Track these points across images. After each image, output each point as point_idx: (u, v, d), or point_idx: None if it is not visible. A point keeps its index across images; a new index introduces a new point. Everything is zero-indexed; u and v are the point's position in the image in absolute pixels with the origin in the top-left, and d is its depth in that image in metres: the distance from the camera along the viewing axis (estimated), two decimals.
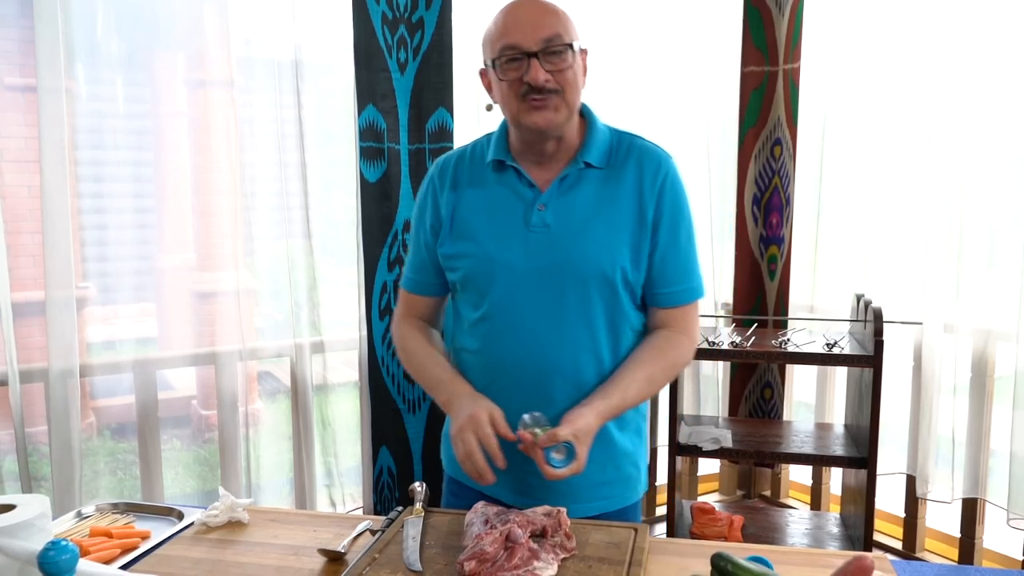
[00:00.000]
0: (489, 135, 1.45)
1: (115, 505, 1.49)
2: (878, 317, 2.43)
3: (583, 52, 1.34)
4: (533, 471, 1.26)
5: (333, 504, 2.60)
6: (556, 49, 1.28)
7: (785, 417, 3.29)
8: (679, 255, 1.37)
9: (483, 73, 1.38)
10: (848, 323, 2.85)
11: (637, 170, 1.36)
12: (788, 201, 3.20)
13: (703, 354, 2.65)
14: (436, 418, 2.63)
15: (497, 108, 1.38)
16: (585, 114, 1.40)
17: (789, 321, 3.15)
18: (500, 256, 1.34)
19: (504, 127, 1.41)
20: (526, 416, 1.25)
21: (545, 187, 1.36)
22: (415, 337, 1.47)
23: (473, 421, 1.25)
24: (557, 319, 1.33)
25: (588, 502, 1.41)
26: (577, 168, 1.35)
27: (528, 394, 1.34)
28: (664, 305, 1.38)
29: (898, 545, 2.97)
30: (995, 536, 2.75)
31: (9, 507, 1.13)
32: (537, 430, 1.23)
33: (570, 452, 1.21)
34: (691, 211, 1.40)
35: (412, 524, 1.28)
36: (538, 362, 1.34)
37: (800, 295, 3.27)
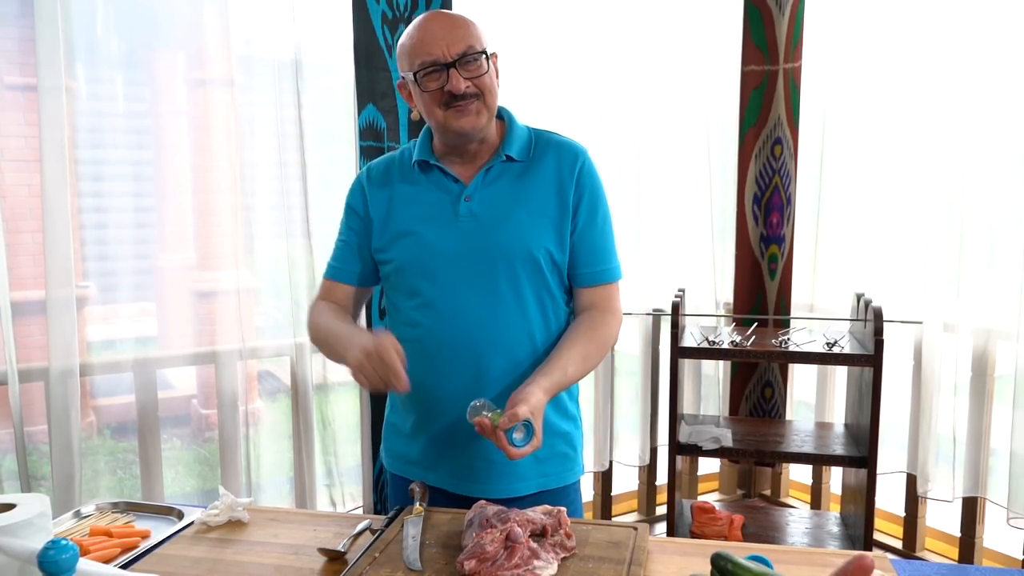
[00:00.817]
0: (413, 143, 1.54)
1: (115, 504, 1.49)
2: (878, 316, 2.43)
3: (494, 56, 1.44)
4: (473, 455, 1.42)
5: (333, 503, 2.60)
6: (471, 59, 1.36)
7: (785, 416, 3.30)
8: (597, 237, 1.47)
9: (401, 85, 1.46)
10: (848, 322, 2.85)
11: (556, 160, 1.46)
12: (788, 200, 3.20)
13: (704, 353, 2.65)
14: None
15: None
16: (504, 115, 1.50)
17: (790, 320, 3.15)
18: (434, 244, 1.42)
19: (427, 132, 1.50)
20: (475, 402, 1.29)
21: (469, 181, 1.45)
22: (323, 312, 1.50)
23: (371, 352, 1.26)
24: (490, 301, 1.41)
25: (526, 480, 1.47)
26: (499, 161, 1.44)
27: (466, 374, 1.41)
28: (588, 284, 1.48)
29: (898, 544, 2.97)
30: (995, 535, 2.75)
31: (9, 506, 1.13)
32: (489, 414, 1.25)
33: (528, 430, 1.25)
34: (607, 200, 1.50)
35: (412, 523, 1.28)
36: (474, 342, 1.41)
37: (800, 294, 3.27)
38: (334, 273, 1.57)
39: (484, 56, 1.38)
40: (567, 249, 1.45)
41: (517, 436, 1.25)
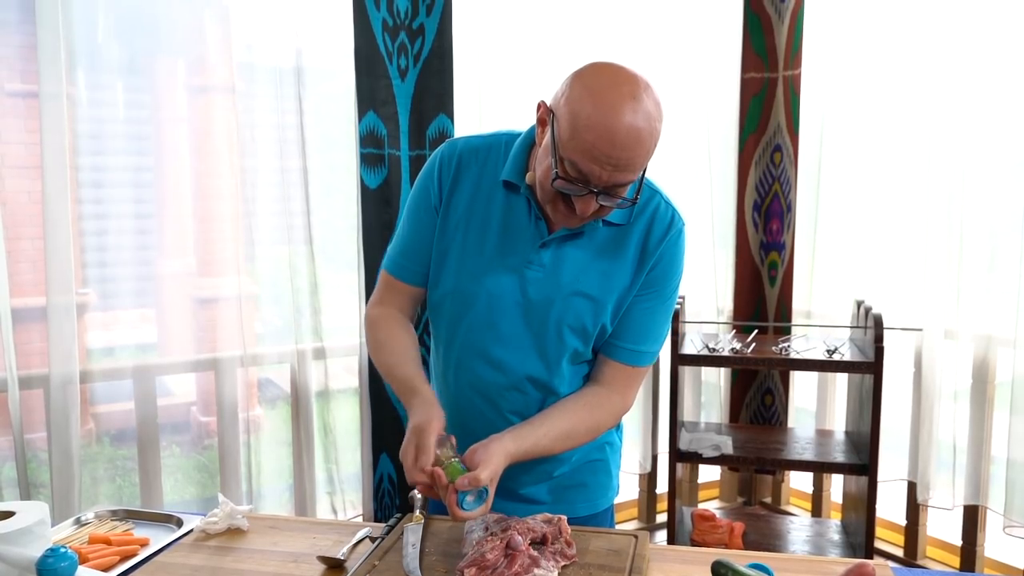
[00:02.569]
0: (509, 139, 1.34)
1: (114, 512, 1.48)
2: (878, 323, 2.43)
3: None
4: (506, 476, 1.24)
5: (335, 511, 2.59)
6: (621, 192, 1.18)
7: (786, 424, 3.29)
8: (653, 317, 1.34)
9: (543, 108, 1.21)
10: (849, 329, 2.85)
11: (646, 227, 1.31)
12: (788, 207, 3.20)
13: (705, 361, 2.65)
14: None
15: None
16: None
17: (790, 327, 3.14)
18: (491, 284, 1.30)
19: (527, 151, 1.31)
20: (440, 435, 1.19)
21: (556, 225, 1.28)
22: (389, 327, 1.38)
23: (416, 432, 1.20)
24: (528, 351, 1.31)
25: (546, 507, 1.39)
26: (594, 227, 1.29)
27: (483, 410, 1.34)
28: (616, 358, 1.35)
29: (899, 552, 2.97)
30: (996, 544, 2.74)
31: (8, 514, 1.13)
32: (449, 460, 1.16)
33: (482, 494, 1.16)
34: (680, 282, 1.37)
35: (412, 531, 1.28)
36: (500, 390, 1.33)
37: (800, 301, 3.27)
38: (399, 270, 1.39)
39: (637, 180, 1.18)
40: (619, 321, 1.33)
41: (469, 499, 1.15)
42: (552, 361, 1.32)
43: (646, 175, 1.25)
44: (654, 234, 1.30)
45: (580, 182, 1.15)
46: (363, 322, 1.46)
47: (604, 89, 1.12)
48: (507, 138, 1.34)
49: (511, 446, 1.21)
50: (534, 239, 1.29)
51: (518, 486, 1.39)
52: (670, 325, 1.40)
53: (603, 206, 1.18)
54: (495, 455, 1.18)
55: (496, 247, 1.30)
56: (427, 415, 1.21)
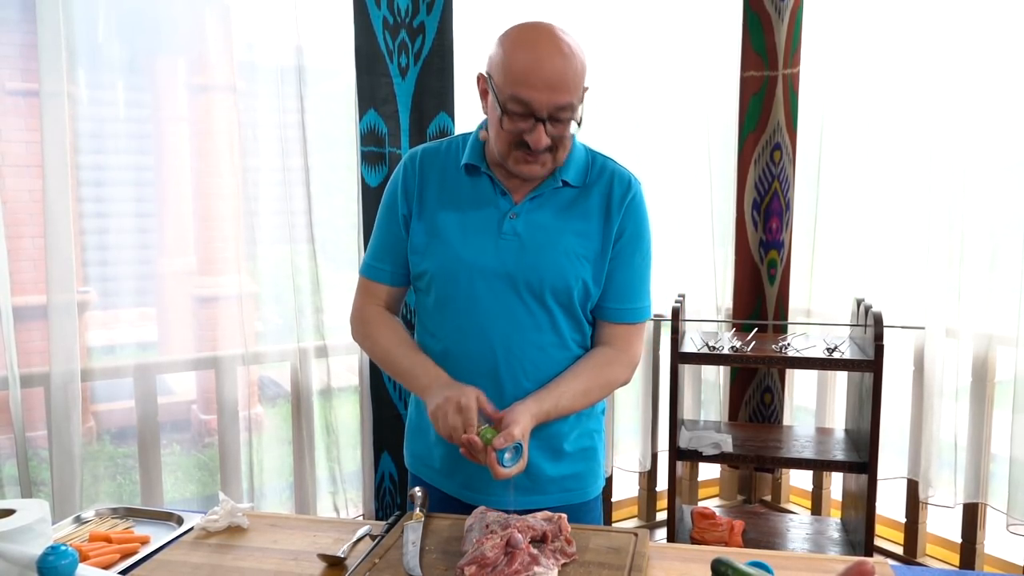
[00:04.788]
0: (465, 136, 1.46)
1: (114, 510, 1.49)
2: (878, 322, 2.43)
3: (585, 90, 1.34)
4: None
5: (337, 510, 2.59)
6: (564, 113, 1.28)
7: (785, 422, 3.29)
8: (633, 274, 1.43)
9: (481, 79, 1.35)
10: (848, 328, 2.85)
11: (607, 189, 1.41)
12: (788, 206, 3.20)
13: (704, 359, 2.65)
14: None
15: None
16: None
17: (789, 326, 3.15)
18: (470, 258, 1.38)
19: (481, 133, 1.42)
20: (476, 406, 1.27)
21: (519, 197, 1.39)
22: (379, 323, 1.47)
23: (454, 400, 1.26)
24: (518, 322, 1.38)
25: (546, 494, 1.45)
26: (553, 186, 1.39)
27: (485, 391, 1.36)
28: (611, 320, 1.44)
29: (899, 550, 2.97)
30: (996, 541, 2.75)
31: (8, 512, 1.13)
32: (480, 428, 1.24)
33: (518, 451, 1.24)
34: (651, 237, 1.45)
35: (412, 529, 1.28)
36: (497, 362, 1.39)
37: (800, 299, 3.27)
38: (375, 273, 1.49)
39: (577, 106, 1.30)
40: (602, 281, 1.41)
41: (508, 456, 1.23)
42: (542, 328, 1.38)
43: (591, 152, 1.44)
44: (615, 193, 1.41)
45: (526, 115, 1.26)
46: (350, 323, 1.52)
47: (524, 33, 1.28)
48: (462, 136, 1.47)
49: (534, 407, 1.31)
50: (503, 211, 1.38)
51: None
52: (651, 278, 1.48)
53: (555, 138, 1.29)
54: (522, 414, 1.27)
55: (470, 226, 1.39)
56: (459, 388, 1.29)
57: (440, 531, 1.31)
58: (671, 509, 2.72)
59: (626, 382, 1.47)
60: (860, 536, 2.55)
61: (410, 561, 1.19)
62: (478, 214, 1.39)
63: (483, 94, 1.36)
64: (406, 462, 1.59)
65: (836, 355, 2.54)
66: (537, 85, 1.24)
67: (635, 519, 3.29)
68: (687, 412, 3.17)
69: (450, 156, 1.45)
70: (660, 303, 3.14)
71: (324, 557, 1.25)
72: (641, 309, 1.45)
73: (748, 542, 2.69)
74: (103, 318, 2.37)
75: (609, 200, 1.40)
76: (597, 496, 1.54)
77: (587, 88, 1.34)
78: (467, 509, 1.42)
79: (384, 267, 1.48)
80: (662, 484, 3.07)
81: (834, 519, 2.93)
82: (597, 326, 1.46)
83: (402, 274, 1.48)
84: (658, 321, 3.13)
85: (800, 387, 3.35)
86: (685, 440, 2.74)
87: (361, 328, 1.50)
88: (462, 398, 1.26)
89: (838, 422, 3.17)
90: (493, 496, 1.41)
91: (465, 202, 1.41)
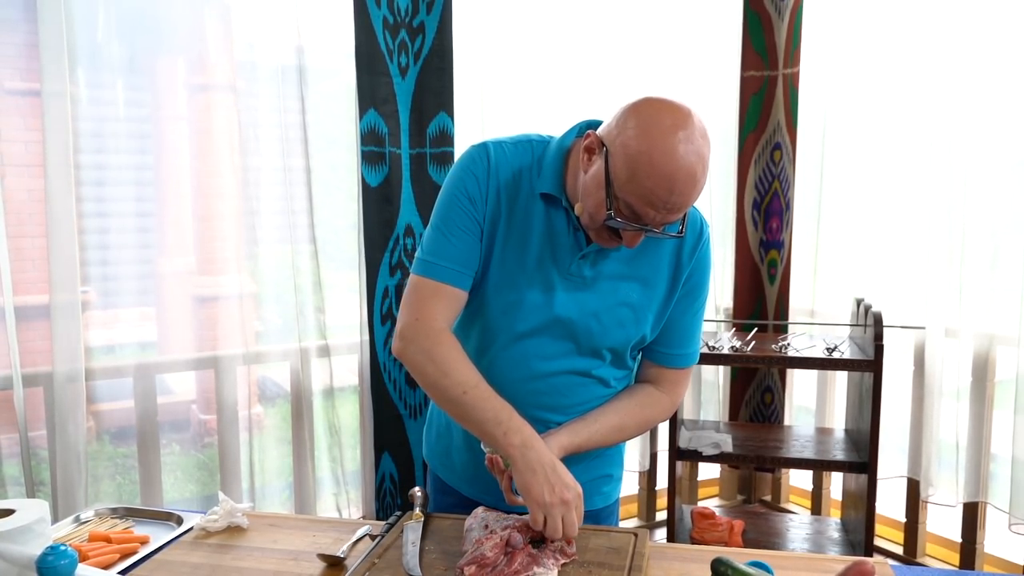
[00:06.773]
0: (544, 146, 1.31)
1: (114, 510, 1.49)
2: (878, 322, 2.43)
3: None
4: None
5: (339, 510, 2.59)
6: (671, 225, 1.21)
7: (785, 421, 3.29)
8: (690, 321, 1.38)
9: (596, 142, 1.19)
10: (848, 327, 2.85)
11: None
12: (788, 205, 3.20)
13: (704, 359, 2.65)
14: None
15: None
16: None
17: (789, 326, 3.15)
18: (529, 292, 1.29)
19: (560, 155, 1.29)
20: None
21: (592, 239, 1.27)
22: (454, 349, 1.27)
23: (566, 505, 1.18)
24: (562, 361, 1.33)
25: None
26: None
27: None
28: (660, 363, 1.41)
29: (899, 550, 2.97)
30: (997, 541, 2.75)
31: (8, 512, 1.13)
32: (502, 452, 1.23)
33: None
34: (710, 280, 1.40)
35: (412, 529, 1.28)
36: (535, 395, 1.34)
37: (800, 299, 3.27)
38: (452, 276, 1.28)
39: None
40: (660, 328, 1.36)
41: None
42: (590, 368, 1.34)
43: None
44: (687, 242, 1.33)
45: (634, 221, 1.17)
46: (405, 334, 1.28)
47: (663, 133, 1.12)
48: (536, 144, 1.32)
49: (565, 440, 1.29)
50: (573, 250, 1.29)
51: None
52: (703, 319, 1.44)
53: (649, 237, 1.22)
54: (551, 446, 1.24)
55: (536, 259, 1.29)
56: (563, 482, 1.19)
57: (440, 531, 1.31)
58: (671, 509, 2.72)
59: (662, 421, 1.44)
60: (860, 536, 2.55)
61: (410, 561, 1.19)
62: (549, 249, 1.28)
63: (588, 151, 1.21)
64: (427, 458, 1.54)
65: (836, 355, 2.53)
66: (658, 206, 1.14)
67: (635, 519, 3.29)
68: (687, 412, 3.17)
69: (524, 169, 1.30)
70: None
71: (324, 557, 1.25)
72: (692, 354, 1.41)
73: (748, 542, 2.69)
74: (103, 318, 2.36)
75: (681, 248, 1.32)
76: (616, 500, 1.52)
77: None
78: None
79: (465, 270, 1.29)
80: (662, 484, 3.07)
81: (834, 519, 2.93)
82: (644, 365, 1.42)
83: (476, 275, 1.31)
84: None
85: (800, 387, 3.35)
86: (685, 440, 2.74)
87: (427, 345, 1.26)
88: (574, 500, 1.18)
89: (838, 422, 3.16)
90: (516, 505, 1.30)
91: (537, 230, 1.29)
